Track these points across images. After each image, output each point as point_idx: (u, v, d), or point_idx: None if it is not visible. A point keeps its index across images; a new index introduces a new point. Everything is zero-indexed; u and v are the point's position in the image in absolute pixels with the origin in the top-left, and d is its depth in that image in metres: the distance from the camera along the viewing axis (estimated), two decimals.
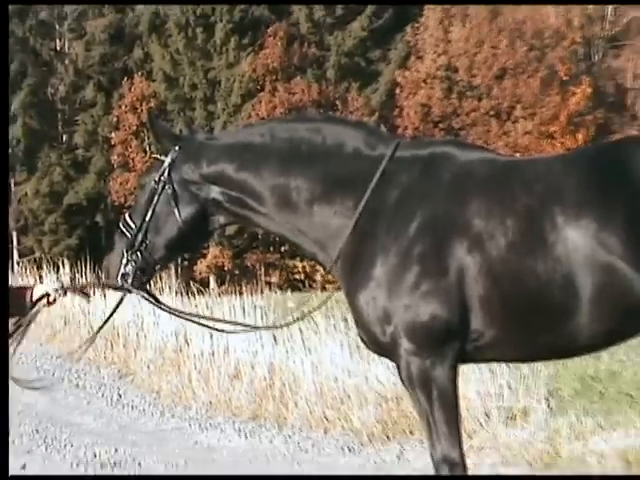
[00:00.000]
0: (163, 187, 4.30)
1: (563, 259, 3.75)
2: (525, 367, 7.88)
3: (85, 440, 8.41)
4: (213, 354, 10.50)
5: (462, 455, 3.92)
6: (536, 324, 3.86)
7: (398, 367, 4.00)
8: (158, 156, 4.42)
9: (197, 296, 13.30)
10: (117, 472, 7.40)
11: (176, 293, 13.69)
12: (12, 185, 37.22)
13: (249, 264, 36.00)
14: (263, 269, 35.25)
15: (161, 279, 12.81)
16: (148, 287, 4.52)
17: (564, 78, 33.66)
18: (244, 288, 13.77)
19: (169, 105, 37.86)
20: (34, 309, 4.46)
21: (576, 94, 33.33)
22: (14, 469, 5.92)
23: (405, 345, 3.90)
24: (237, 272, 34.70)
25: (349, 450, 7.78)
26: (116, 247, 4.39)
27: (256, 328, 7.64)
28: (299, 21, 38.14)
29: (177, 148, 4.35)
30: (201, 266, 35.16)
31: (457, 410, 3.95)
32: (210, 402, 9.68)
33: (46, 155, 38.81)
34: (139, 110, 36.89)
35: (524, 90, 33.21)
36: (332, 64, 37.87)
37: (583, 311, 3.76)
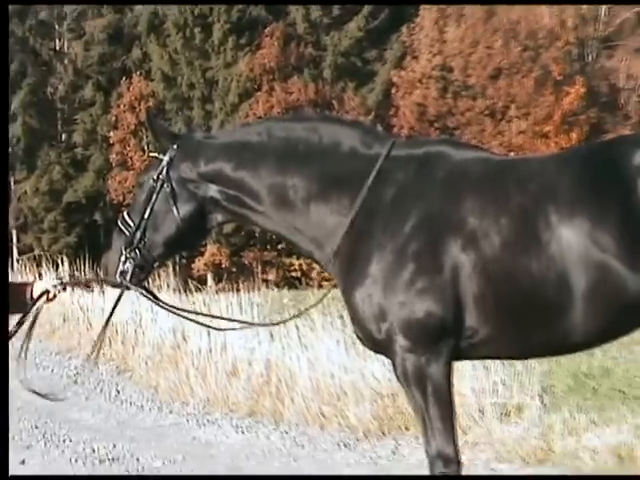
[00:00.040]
0: (161, 185, 4.32)
1: (557, 257, 3.77)
2: (519, 364, 7.88)
3: (84, 436, 8.46)
4: (210, 351, 10.50)
5: (457, 451, 3.94)
6: (530, 322, 3.88)
7: (393, 364, 4.02)
8: (156, 155, 4.43)
9: (195, 293, 13.36)
10: (115, 467, 7.43)
11: (174, 290, 13.74)
12: (12, 183, 37.24)
13: (246, 262, 36.09)
14: (260, 267, 35.41)
15: (159, 276, 12.84)
16: (146, 284, 4.55)
17: (558, 78, 33.66)
18: (241, 285, 13.84)
19: (167, 104, 37.90)
20: (35, 307, 4.47)
21: (570, 94, 33.33)
22: (14, 464, 5.97)
23: (400, 342, 3.92)
24: (234, 270, 34.76)
25: (345, 446, 7.81)
26: (114, 245, 4.40)
27: (253, 325, 7.67)
28: (296, 21, 38.17)
29: (175, 147, 4.36)
30: (199, 264, 35.23)
31: (452, 406, 3.98)
32: (207, 398, 9.71)
33: (45, 154, 38.84)
34: (137, 109, 36.93)
35: (518, 90, 33.19)
36: (329, 64, 37.89)
37: (577, 309, 3.78)
